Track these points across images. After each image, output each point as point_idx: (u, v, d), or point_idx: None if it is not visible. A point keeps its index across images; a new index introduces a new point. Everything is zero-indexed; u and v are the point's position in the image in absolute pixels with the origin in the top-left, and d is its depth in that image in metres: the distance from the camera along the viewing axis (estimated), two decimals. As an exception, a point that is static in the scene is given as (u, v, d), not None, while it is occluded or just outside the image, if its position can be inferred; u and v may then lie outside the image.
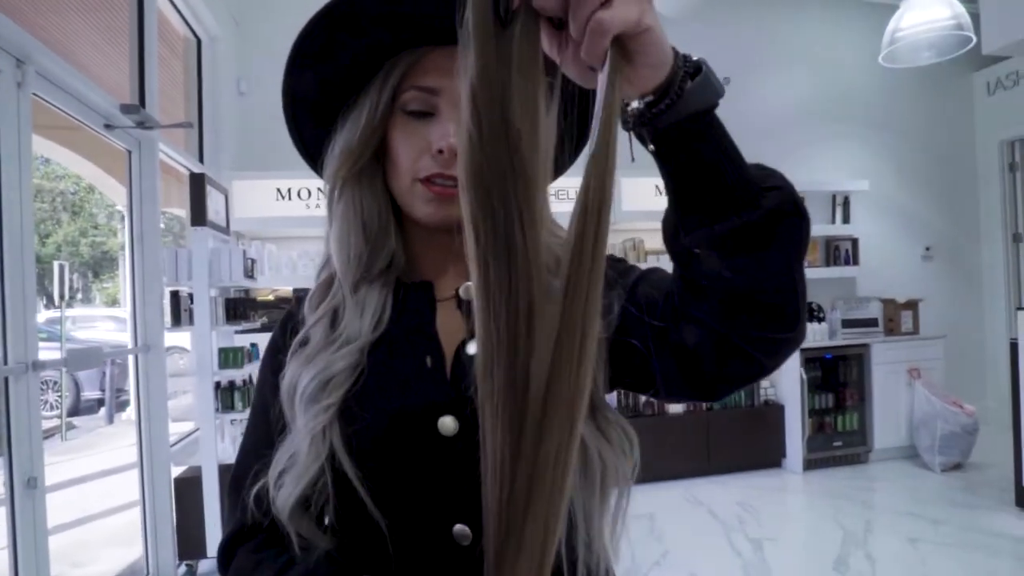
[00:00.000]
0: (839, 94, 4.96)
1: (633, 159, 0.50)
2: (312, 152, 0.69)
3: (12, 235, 1.87)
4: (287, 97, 0.66)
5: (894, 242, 5.06)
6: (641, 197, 4.17)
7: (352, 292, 0.63)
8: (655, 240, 4.36)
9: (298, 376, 0.60)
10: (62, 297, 5.63)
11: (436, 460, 0.57)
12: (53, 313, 8.03)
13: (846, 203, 4.78)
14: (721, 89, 0.45)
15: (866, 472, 4.16)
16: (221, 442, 2.93)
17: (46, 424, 6.57)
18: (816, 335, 4.34)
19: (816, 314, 4.69)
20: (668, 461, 4.01)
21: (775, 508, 3.64)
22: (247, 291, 3.67)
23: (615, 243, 4.38)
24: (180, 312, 2.91)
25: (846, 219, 4.77)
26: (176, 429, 3.42)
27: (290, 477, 0.58)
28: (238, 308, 3.22)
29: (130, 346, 2.77)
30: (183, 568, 2.87)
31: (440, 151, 0.60)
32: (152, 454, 2.75)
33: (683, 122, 0.44)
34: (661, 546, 3.07)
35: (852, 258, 4.73)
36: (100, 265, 13.79)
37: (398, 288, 0.66)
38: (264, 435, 0.64)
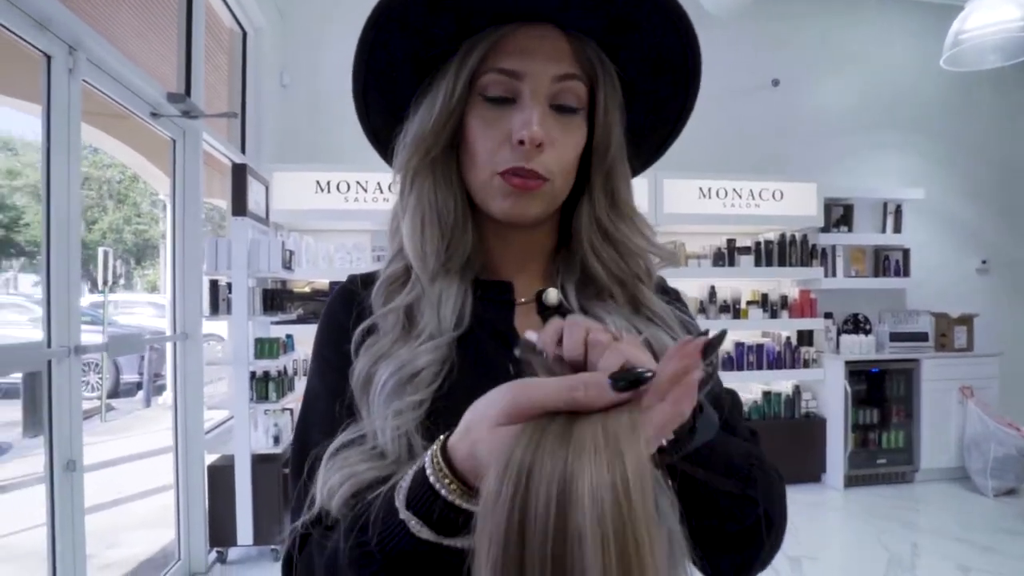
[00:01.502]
0: (894, 98, 4.76)
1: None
2: (383, 140, 0.64)
3: (59, 222, 1.89)
4: (358, 81, 0.60)
5: (948, 254, 4.84)
6: (683, 199, 4.06)
7: (430, 285, 0.59)
8: (696, 243, 4.25)
9: (374, 370, 0.54)
10: (105, 282, 5.77)
11: None
12: (96, 297, 8.26)
13: (898, 212, 4.58)
14: (716, 423, 0.46)
15: (911, 492, 3.99)
16: (254, 431, 2.94)
17: (86, 405, 6.78)
18: (862, 347, 4.17)
19: (862, 326, 4.52)
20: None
21: (815, 525, 3.51)
22: (284, 282, 3.69)
23: (654, 246, 4.28)
24: (218, 301, 2.93)
25: (897, 228, 4.58)
26: (213, 417, 3.47)
27: (368, 464, 0.50)
28: (275, 299, 3.24)
29: (168, 333, 2.80)
30: (213, 554, 2.89)
31: (521, 142, 0.54)
32: (187, 440, 2.78)
33: (693, 453, 0.45)
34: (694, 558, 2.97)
35: (903, 269, 4.54)
36: (142, 252, 14.19)
37: (475, 287, 0.61)
38: (327, 416, 0.56)
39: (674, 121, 0.65)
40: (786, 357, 4.22)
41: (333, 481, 0.48)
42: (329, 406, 0.56)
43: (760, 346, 4.22)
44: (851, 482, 4.05)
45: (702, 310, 4.18)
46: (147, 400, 7.02)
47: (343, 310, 0.62)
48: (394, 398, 0.52)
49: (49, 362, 1.86)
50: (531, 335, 0.43)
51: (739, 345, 4.21)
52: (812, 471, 4.15)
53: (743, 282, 4.36)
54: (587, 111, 0.59)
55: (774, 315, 4.24)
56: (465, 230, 0.60)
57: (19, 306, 8.19)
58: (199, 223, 2.80)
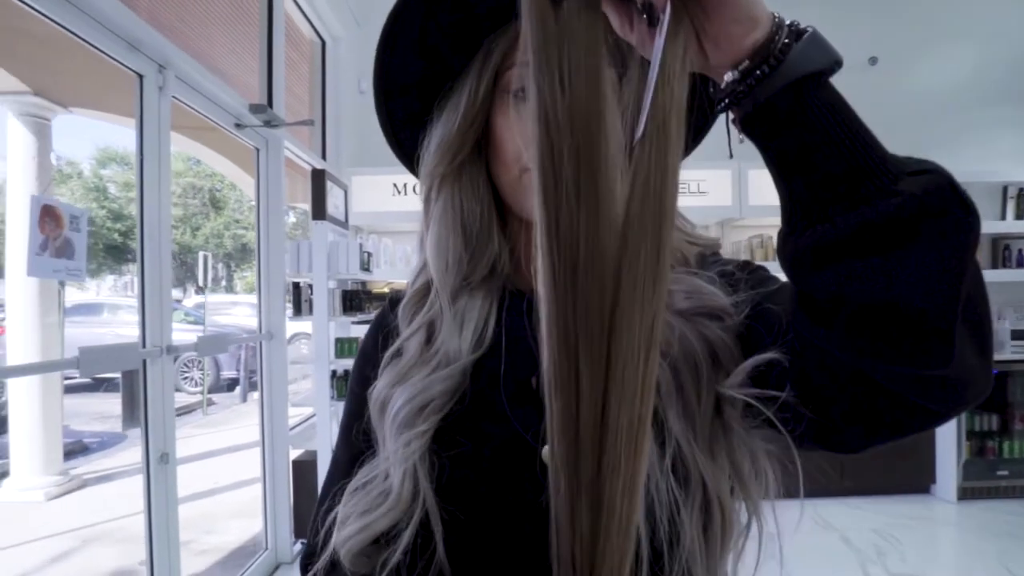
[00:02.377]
0: (1012, 70, 4.28)
1: (732, 155, 0.45)
2: (408, 151, 0.62)
3: (152, 229, 2.01)
4: (379, 92, 0.59)
5: (1082, 241, 4.30)
6: (770, 190, 3.81)
7: (451, 303, 0.57)
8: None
9: (390, 394, 0.55)
10: (206, 284, 6.19)
11: (538, 496, 0.48)
12: (199, 299, 8.86)
13: (1020, 196, 4.11)
14: (836, 53, 0.37)
15: (1038, 509, 3.57)
16: (336, 428, 3.03)
17: (190, 399, 7.32)
18: (977, 347, 3.78)
19: (977, 323, 4.09)
20: (791, 475, 3.66)
21: (924, 541, 3.20)
22: (363, 283, 3.79)
23: (740, 240, 4.07)
24: (300, 302, 3.04)
25: (1019, 215, 4.11)
26: (301, 413, 3.62)
27: (377, 512, 0.52)
28: (354, 300, 3.33)
29: (256, 333, 2.94)
30: (298, 545, 3.01)
31: None
32: (273, 436, 2.90)
33: (790, 90, 0.36)
34: (782, 572, 2.79)
35: (1026, 260, 4.08)
36: (241, 256, 15.14)
37: (503, 297, 0.58)
38: (345, 457, 0.59)
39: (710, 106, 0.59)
40: (888, 357, 3.88)
41: (348, 530, 0.52)
42: (344, 443, 0.60)
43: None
44: (966, 495, 3.67)
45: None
46: (243, 395, 7.48)
47: (372, 334, 0.63)
48: (405, 428, 0.52)
49: (144, 361, 1.98)
50: None
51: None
52: (920, 482, 3.80)
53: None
54: None
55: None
56: (490, 238, 0.58)
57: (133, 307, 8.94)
58: (282, 227, 2.92)
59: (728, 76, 0.38)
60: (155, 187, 2.02)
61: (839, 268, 0.35)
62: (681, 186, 0.38)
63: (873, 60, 4.12)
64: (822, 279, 0.36)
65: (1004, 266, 4.11)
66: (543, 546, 0.40)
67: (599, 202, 0.36)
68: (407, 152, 0.63)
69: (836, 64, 0.37)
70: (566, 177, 0.36)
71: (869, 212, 0.34)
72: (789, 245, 0.39)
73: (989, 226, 4.10)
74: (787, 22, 0.37)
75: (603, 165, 0.36)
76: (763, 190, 3.82)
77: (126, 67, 1.92)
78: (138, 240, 2.00)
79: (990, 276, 4.05)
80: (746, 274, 0.54)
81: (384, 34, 0.55)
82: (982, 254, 4.15)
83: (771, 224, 4.00)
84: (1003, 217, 4.13)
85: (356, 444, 0.58)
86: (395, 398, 0.53)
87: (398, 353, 0.57)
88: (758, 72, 0.37)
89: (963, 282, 0.34)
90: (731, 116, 0.40)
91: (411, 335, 0.57)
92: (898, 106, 4.16)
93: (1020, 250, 4.09)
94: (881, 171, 0.35)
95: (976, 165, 4.16)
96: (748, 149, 0.66)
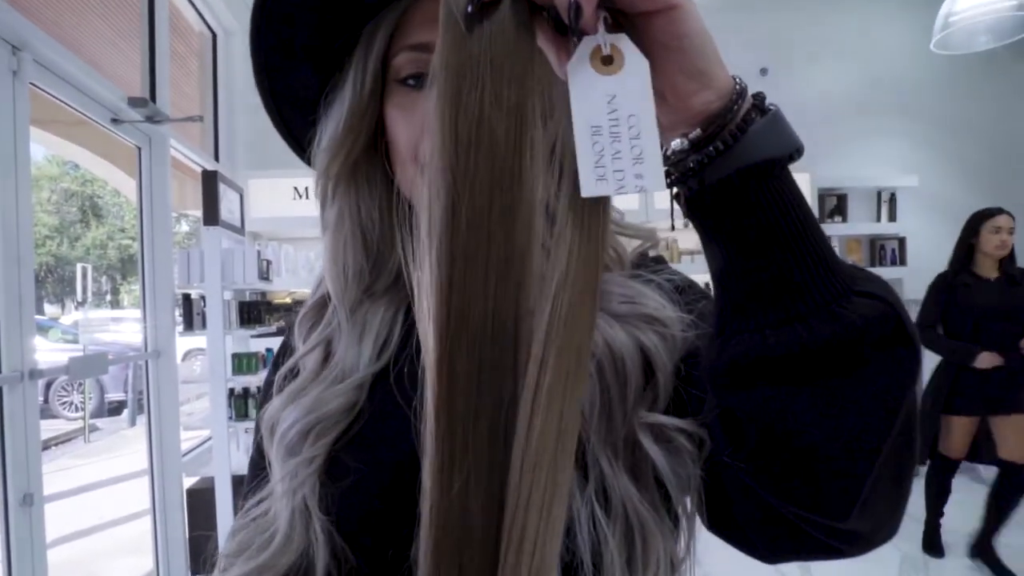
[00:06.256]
0: (886, 85, 4.68)
1: (673, 227, 0.40)
2: (306, 145, 0.56)
3: (8, 237, 1.75)
4: (260, 83, 0.54)
5: (946, 241, 4.73)
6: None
7: (349, 316, 0.51)
8: (691, 239, 4.15)
9: (279, 414, 0.48)
10: (84, 300, 5.62)
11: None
12: (79, 315, 8.09)
13: (892, 200, 4.50)
14: (798, 138, 0.34)
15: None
16: (236, 451, 2.81)
17: (69, 426, 6.62)
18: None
19: (860, 317, 4.43)
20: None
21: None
22: (263, 294, 3.56)
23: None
24: (192, 315, 2.80)
25: (892, 217, 4.50)
26: (197, 436, 3.33)
27: (263, 556, 0.45)
28: (253, 311, 3.10)
29: (141, 350, 2.67)
30: (196, 583, 2.75)
31: None
32: (163, 463, 2.64)
33: (743, 176, 0.31)
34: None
35: (899, 258, 4.46)
36: (127, 267, 14.01)
37: (410, 307, 0.52)
38: (250, 488, 0.54)
39: None
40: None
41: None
42: (251, 473, 0.55)
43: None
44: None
45: (697, 307, 4.07)
46: (132, 419, 6.85)
47: (275, 360, 0.58)
48: (292, 454, 0.46)
49: (0, 389, 1.72)
50: None
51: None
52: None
53: (738, 277, 4.26)
54: None
55: (771, 310, 4.13)
56: (393, 244, 0.52)
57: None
58: (169, 234, 2.67)
59: (675, 143, 0.33)
60: (11, 187, 1.76)
61: (758, 391, 0.31)
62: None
63: (764, 71, 4.38)
64: (739, 398, 0.32)
65: (880, 264, 4.48)
66: None
67: (508, 275, 0.30)
68: (304, 147, 0.56)
69: (797, 152, 0.33)
70: (470, 245, 0.29)
71: (804, 333, 0.30)
72: (713, 350, 0.34)
73: (867, 228, 4.47)
74: (748, 90, 0.33)
75: (517, 231, 0.30)
76: (668, 195, 3.94)
77: (-31, 49, 1.67)
78: (-11, 249, 1.74)
79: (870, 274, 4.40)
80: (692, 297, 0.48)
81: (252, 28, 0.50)
82: (861, 254, 4.50)
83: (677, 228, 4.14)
84: (878, 219, 4.51)
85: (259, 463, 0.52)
86: (285, 417, 0.47)
87: (294, 373, 0.51)
88: (711, 148, 0.32)
89: (891, 432, 0.30)
90: (673, 188, 0.36)
91: (307, 352, 0.51)
92: (788, 114, 4.34)
93: (893, 249, 4.47)
94: (828, 285, 0.31)
95: (854, 171, 4.51)
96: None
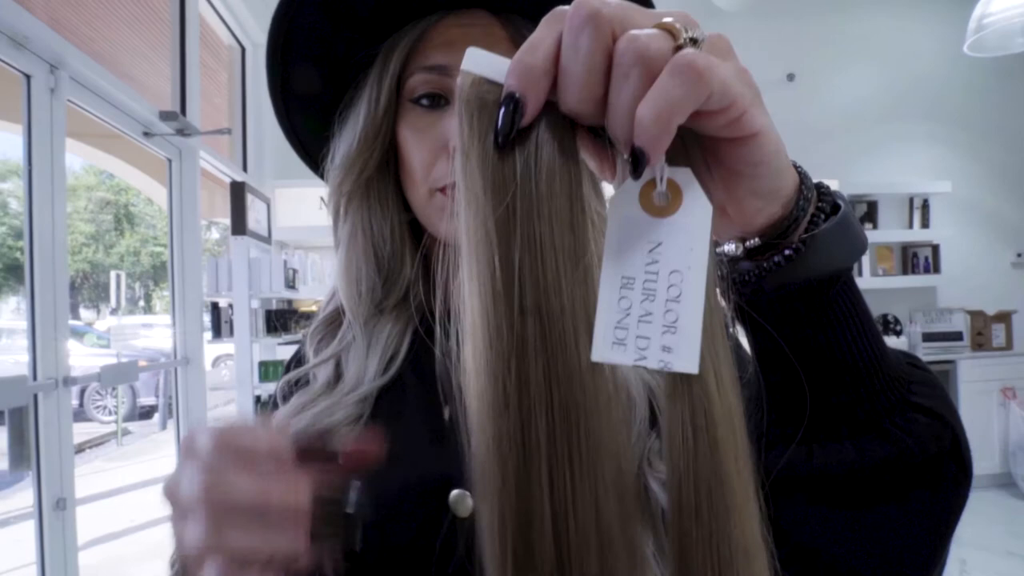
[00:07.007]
0: (917, 89, 4.57)
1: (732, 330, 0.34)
2: (320, 161, 0.57)
3: (43, 248, 1.81)
4: (276, 100, 0.55)
5: (980, 248, 4.63)
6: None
7: (362, 331, 0.51)
8: (714, 247, 4.10)
9: (287, 424, 0.48)
10: (119, 306, 5.77)
11: (446, 550, 0.42)
12: (114, 320, 8.30)
13: (925, 206, 4.39)
14: (865, 239, 0.30)
15: (953, 502, 3.78)
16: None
17: (103, 429, 6.78)
18: (893, 350, 3.98)
19: (892, 326, 4.32)
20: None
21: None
22: (290, 302, 3.61)
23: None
24: (220, 323, 2.85)
25: (925, 224, 4.38)
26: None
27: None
28: (279, 319, 3.15)
29: (171, 357, 2.72)
30: (222, 587, 2.79)
31: None
32: (191, 470, 2.68)
33: (804, 287, 0.28)
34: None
35: (932, 266, 4.34)
36: (158, 274, 14.34)
37: (420, 320, 0.53)
38: None
39: None
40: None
41: None
42: None
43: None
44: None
45: (723, 316, 4.02)
46: (163, 423, 7.00)
47: (290, 365, 0.58)
48: None
49: (36, 396, 1.77)
50: (477, 55, 0.26)
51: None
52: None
53: (765, 285, 4.19)
54: None
55: (799, 319, 4.05)
56: (403, 262, 0.52)
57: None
58: (198, 243, 2.73)
59: (728, 247, 0.30)
60: (48, 199, 1.82)
61: (797, 506, 0.28)
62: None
63: (791, 76, 4.31)
64: (773, 506, 0.28)
65: (913, 272, 4.36)
66: None
67: (592, 477, 0.24)
68: (317, 161, 0.58)
69: (861, 252, 0.30)
70: (528, 443, 0.24)
71: (853, 454, 0.27)
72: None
73: (899, 235, 4.36)
74: (810, 189, 0.28)
75: (594, 416, 0.24)
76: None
77: (11, 66, 1.73)
78: (27, 258, 1.79)
79: (900, 282, 4.29)
80: None
81: (269, 42, 0.50)
82: (893, 261, 4.39)
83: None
84: (911, 226, 4.39)
85: None
86: (291, 428, 0.47)
87: (304, 382, 0.52)
88: (776, 260, 0.28)
89: (940, 561, 0.28)
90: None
91: (319, 364, 0.51)
92: (816, 120, 4.36)
93: (926, 257, 4.36)
94: (883, 398, 0.27)
95: (885, 177, 4.41)
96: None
